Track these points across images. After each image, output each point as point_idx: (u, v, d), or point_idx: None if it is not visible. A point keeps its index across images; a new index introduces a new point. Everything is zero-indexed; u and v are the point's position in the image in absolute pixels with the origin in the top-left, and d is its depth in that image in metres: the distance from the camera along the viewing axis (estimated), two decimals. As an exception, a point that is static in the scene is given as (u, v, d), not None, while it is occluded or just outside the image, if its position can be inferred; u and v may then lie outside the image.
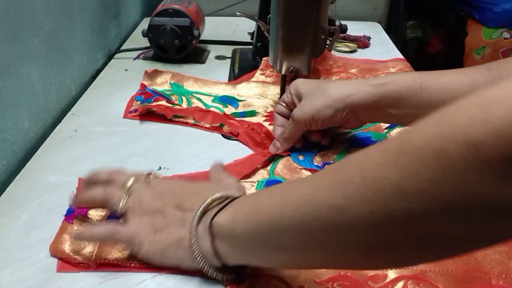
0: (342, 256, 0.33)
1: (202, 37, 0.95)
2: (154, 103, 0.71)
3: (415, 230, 0.27)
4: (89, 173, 0.49)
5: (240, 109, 0.71)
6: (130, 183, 0.45)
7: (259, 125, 0.66)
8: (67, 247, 0.44)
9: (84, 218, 0.47)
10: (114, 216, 0.47)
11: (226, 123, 0.66)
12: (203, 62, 0.90)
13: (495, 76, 0.49)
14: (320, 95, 0.55)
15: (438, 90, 0.51)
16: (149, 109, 0.68)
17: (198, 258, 0.39)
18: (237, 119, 0.67)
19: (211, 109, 0.71)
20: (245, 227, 0.36)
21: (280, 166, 0.58)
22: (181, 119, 0.68)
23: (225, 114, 0.68)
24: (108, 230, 0.42)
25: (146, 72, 0.80)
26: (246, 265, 0.40)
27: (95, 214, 0.48)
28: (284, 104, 0.61)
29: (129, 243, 0.42)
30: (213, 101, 0.73)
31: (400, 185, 0.26)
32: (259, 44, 0.85)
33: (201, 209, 0.40)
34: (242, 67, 0.87)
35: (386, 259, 0.31)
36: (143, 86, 0.77)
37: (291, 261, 0.36)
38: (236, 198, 0.40)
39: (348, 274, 0.42)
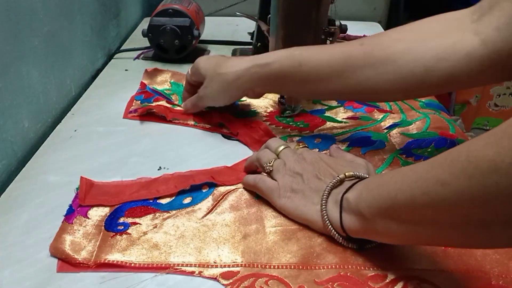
0: (447, 233, 0.35)
1: (202, 37, 0.95)
2: (154, 103, 0.71)
3: (506, 207, 0.29)
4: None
5: (240, 109, 0.71)
6: (280, 148, 0.52)
7: (258, 122, 0.66)
8: (67, 247, 0.44)
9: (84, 218, 0.48)
10: (114, 215, 0.48)
11: (225, 123, 0.66)
12: (203, 62, 0.90)
13: (366, 51, 0.54)
14: (217, 79, 0.62)
15: (316, 67, 0.56)
16: (149, 110, 0.68)
17: (328, 225, 0.44)
18: (236, 118, 0.67)
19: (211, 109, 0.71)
20: (368, 200, 0.40)
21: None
22: (181, 121, 0.68)
23: (223, 114, 0.68)
24: (257, 178, 0.51)
25: (146, 70, 0.80)
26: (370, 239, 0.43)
27: (95, 214, 0.48)
28: (189, 81, 0.69)
29: (270, 192, 0.49)
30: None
31: (495, 161, 0.29)
32: (259, 44, 0.85)
33: (334, 181, 0.45)
34: (242, 67, 0.86)
35: (485, 239, 0.33)
36: (143, 85, 0.77)
37: (405, 236, 0.39)
38: (365, 178, 0.45)
39: (348, 274, 0.42)
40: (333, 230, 0.44)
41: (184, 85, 0.71)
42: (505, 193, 0.29)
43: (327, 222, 0.44)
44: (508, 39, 0.47)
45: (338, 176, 0.45)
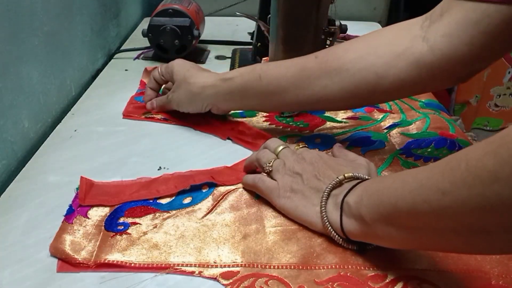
0: (448, 239, 0.35)
1: (202, 37, 0.95)
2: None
3: (507, 215, 0.29)
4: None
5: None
6: (279, 148, 0.52)
7: (246, 127, 0.66)
8: (67, 247, 0.44)
9: (84, 218, 0.48)
10: (114, 215, 0.48)
11: (213, 132, 0.65)
12: (203, 62, 0.90)
13: (321, 62, 0.55)
14: (184, 87, 0.64)
15: (274, 79, 0.57)
16: (146, 115, 0.68)
17: (328, 227, 0.44)
18: (222, 123, 0.67)
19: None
20: (368, 206, 0.40)
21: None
22: (171, 120, 0.68)
23: (213, 118, 0.68)
24: (256, 178, 0.51)
25: (146, 69, 0.80)
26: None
27: (95, 214, 0.48)
28: (156, 79, 0.69)
29: (269, 192, 0.49)
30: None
31: (495, 171, 0.29)
32: (259, 44, 0.85)
33: (333, 182, 0.45)
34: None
35: (486, 245, 0.33)
36: (143, 84, 0.77)
37: (405, 241, 0.39)
38: (365, 179, 0.45)
39: (348, 274, 0.42)
40: (333, 232, 0.44)
41: (148, 82, 0.71)
42: (506, 203, 0.29)
43: (327, 224, 0.44)
44: (455, 46, 0.48)
45: (337, 177, 0.45)
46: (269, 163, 0.51)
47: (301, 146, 0.53)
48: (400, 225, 0.38)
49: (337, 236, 0.44)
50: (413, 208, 0.35)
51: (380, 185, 0.40)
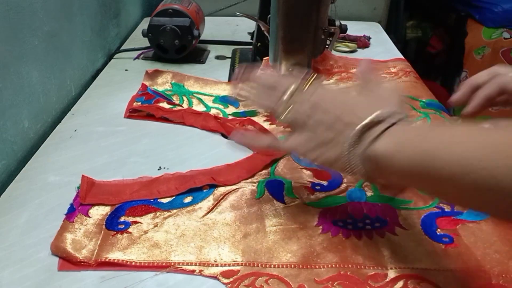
0: (479, 205, 0.33)
1: (202, 37, 0.95)
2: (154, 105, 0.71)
3: None
4: (255, 75, 0.51)
5: (241, 109, 0.71)
6: (289, 92, 0.46)
7: (251, 122, 0.65)
8: (68, 245, 0.44)
9: (85, 217, 0.48)
10: (115, 214, 0.48)
11: (217, 128, 0.66)
12: (203, 62, 0.90)
13: None
14: None
15: None
16: (148, 113, 0.69)
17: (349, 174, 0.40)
18: (228, 118, 0.67)
19: (212, 110, 0.71)
20: (409, 156, 0.35)
21: (281, 166, 0.58)
22: (174, 120, 0.68)
23: (215, 116, 0.68)
24: (272, 140, 0.48)
25: (147, 72, 0.80)
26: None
27: (96, 212, 0.48)
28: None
29: (290, 149, 0.46)
30: (213, 101, 0.74)
31: None
32: (259, 44, 0.85)
33: (355, 131, 0.39)
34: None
35: None
36: (144, 87, 0.77)
37: (441, 192, 0.36)
38: (395, 122, 0.38)
39: (348, 273, 0.42)
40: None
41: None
42: None
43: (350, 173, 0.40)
44: None
45: (360, 125, 0.39)
46: (283, 116, 0.46)
47: (310, 81, 0.46)
48: (440, 177, 0.34)
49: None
50: (458, 160, 0.32)
51: (421, 132, 0.37)
